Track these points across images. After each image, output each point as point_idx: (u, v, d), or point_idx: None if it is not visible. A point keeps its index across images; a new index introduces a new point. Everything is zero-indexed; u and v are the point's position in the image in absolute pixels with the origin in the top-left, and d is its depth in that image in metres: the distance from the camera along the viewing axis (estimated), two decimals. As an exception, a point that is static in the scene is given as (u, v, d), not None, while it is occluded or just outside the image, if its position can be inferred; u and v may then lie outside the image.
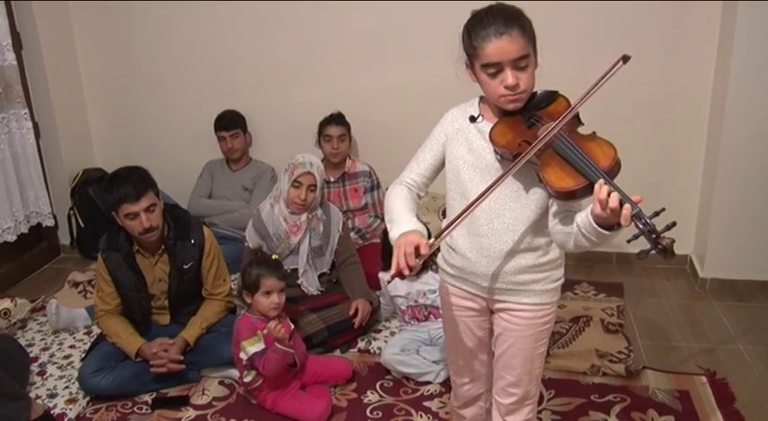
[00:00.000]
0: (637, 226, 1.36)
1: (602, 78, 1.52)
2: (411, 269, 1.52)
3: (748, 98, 3.21)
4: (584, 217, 1.45)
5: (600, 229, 1.42)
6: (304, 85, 3.95)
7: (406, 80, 3.81)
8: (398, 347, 2.80)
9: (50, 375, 2.87)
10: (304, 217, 3.05)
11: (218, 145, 3.99)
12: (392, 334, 3.09)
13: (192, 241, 2.75)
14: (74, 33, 4.08)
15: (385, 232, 3.77)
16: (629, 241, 1.43)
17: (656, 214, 1.37)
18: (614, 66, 1.52)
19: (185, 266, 2.74)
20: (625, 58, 1.51)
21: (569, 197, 1.48)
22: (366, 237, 3.73)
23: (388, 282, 1.34)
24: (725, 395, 2.61)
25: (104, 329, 2.77)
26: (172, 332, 2.78)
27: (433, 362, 2.75)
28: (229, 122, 3.93)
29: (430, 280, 2.93)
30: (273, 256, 2.72)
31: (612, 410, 2.52)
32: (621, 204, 1.35)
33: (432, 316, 2.93)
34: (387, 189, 3.88)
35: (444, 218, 3.64)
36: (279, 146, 4.00)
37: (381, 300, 3.16)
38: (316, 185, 2.99)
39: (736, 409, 2.52)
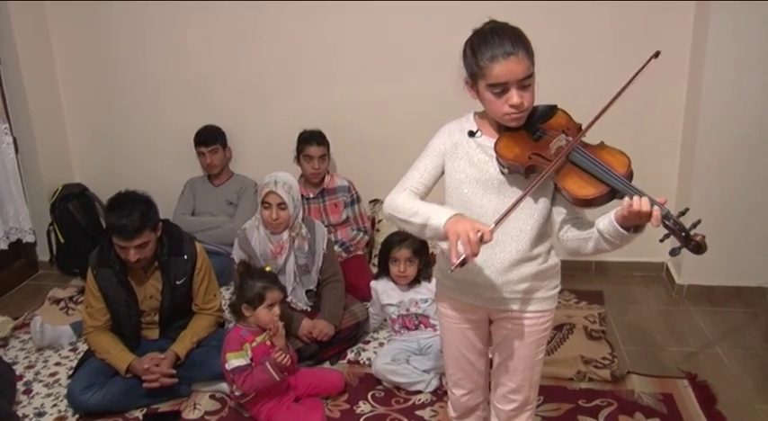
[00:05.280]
0: (666, 226, 1.44)
1: (633, 77, 1.66)
2: (475, 255, 1.47)
3: (721, 109, 3.33)
4: (608, 222, 1.52)
5: (626, 233, 1.49)
6: (283, 99, 3.97)
7: (385, 94, 3.86)
8: (389, 357, 2.83)
9: (37, 394, 2.83)
10: (285, 236, 3.04)
11: (197, 160, 3.99)
12: (381, 344, 3.11)
13: (185, 256, 2.75)
14: (53, 48, 4.06)
15: (369, 244, 3.87)
16: (661, 241, 1.49)
17: (682, 214, 1.44)
18: (647, 63, 1.65)
19: (178, 282, 2.74)
20: (657, 54, 1.63)
21: (589, 204, 1.54)
22: (350, 250, 3.75)
23: (451, 271, 1.27)
24: (707, 397, 2.69)
25: (93, 345, 2.75)
26: (161, 347, 2.77)
27: (424, 371, 2.78)
28: (209, 138, 3.94)
29: (422, 289, 2.97)
30: (267, 268, 2.74)
31: (601, 414, 2.58)
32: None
33: (422, 325, 2.97)
34: (370, 202, 3.99)
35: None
36: (259, 160, 4.02)
37: (371, 309, 3.18)
38: (285, 203, 2.98)
39: (718, 410, 2.60)
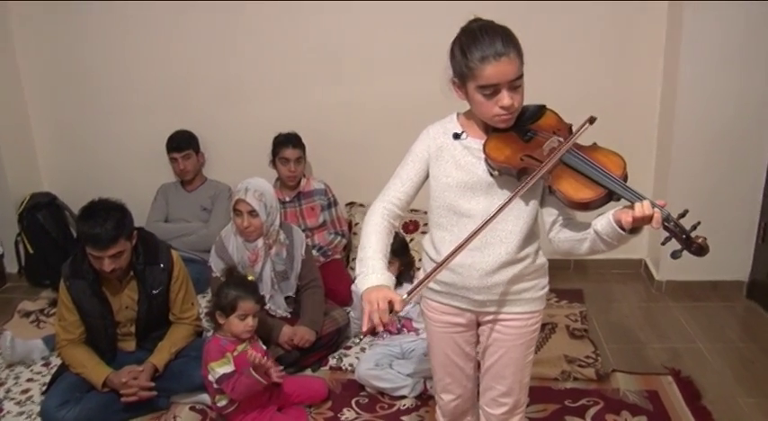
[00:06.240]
0: (667, 228, 1.42)
1: (569, 140, 1.57)
2: (384, 326, 1.51)
3: (697, 107, 3.36)
4: (606, 223, 1.49)
5: (625, 234, 1.47)
6: (257, 102, 3.92)
7: (360, 95, 3.82)
8: (372, 362, 2.79)
9: (8, 412, 2.72)
10: (260, 243, 2.98)
11: (170, 166, 3.91)
12: (363, 349, 3.07)
13: (162, 265, 2.68)
14: (16, 54, 3.94)
15: (346, 247, 3.83)
16: (663, 243, 1.49)
17: (682, 216, 1.42)
18: (582, 127, 1.59)
19: (154, 292, 2.67)
20: (592, 120, 1.60)
21: (586, 208, 1.51)
22: (328, 255, 3.71)
23: (360, 340, 1.33)
24: (691, 392, 2.70)
25: (68, 360, 2.67)
26: (138, 359, 2.70)
27: (408, 375, 2.75)
28: (181, 143, 3.86)
29: (404, 291, 2.91)
30: (250, 277, 2.68)
31: (588, 414, 2.57)
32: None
33: (404, 329, 2.93)
34: (347, 205, 3.95)
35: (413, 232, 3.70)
36: (233, 165, 3.95)
37: (353, 314, 3.14)
38: (255, 211, 2.93)
39: (704, 406, 2.62)
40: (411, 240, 3.65)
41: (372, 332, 1.51)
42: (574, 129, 1.64)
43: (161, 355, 2.69)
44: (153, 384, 2.59)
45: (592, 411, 2.59)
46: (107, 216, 2.47)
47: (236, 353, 2.52)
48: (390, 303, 1.49)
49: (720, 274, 3.57)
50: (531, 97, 1.66)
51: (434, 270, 1.56)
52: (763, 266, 3.45)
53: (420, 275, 1.90)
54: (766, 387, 2.75)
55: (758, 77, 3.28)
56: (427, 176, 1.74)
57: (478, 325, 1.84)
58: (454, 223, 1.70)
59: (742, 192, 3.46)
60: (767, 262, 3.41)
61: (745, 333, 3.22)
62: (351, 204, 4.01)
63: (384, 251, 1.67)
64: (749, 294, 3.55)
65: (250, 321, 2.54)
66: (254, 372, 2.43)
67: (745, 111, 3.34)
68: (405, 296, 1.52)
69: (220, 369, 2.46)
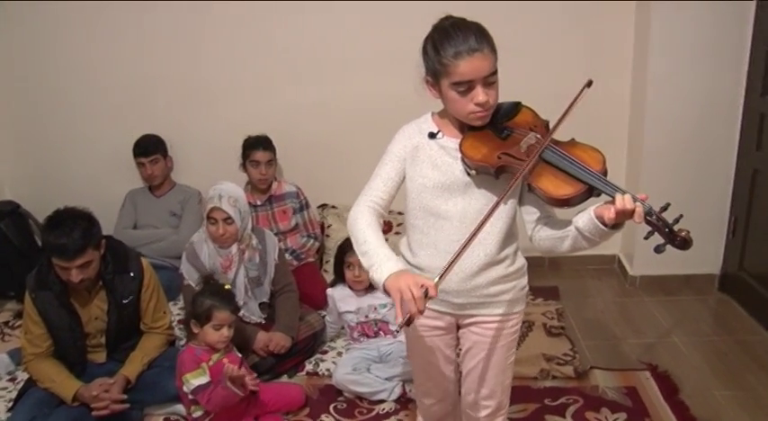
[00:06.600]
0: (650, 223, 1.39)
1: (570, 106, 1.58)
2: (422, 313, 1.41)
3: (667, 101, 3.38)
4: (588, 219, 1.47)
5: (607, 230, 1.44)
6: (225, 104, 3.85)
7: (329, 95, 3.78)
8: (350, 366, 2.75)
9: (-27, 429, 2.65)
10: (234, 249, 2.93)
11: (137, 171, 3.82)
12: (339, 354, 3.02)
13: (131, 274, 2.60)
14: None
15: (319, 250, 3.78)
16: (645, 238, 1.45)
17: (664, 209, 1.40)
18: (581, 92, 1.59)
19: (125, 301, 2.60)
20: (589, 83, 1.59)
21: (567, 204, 1.49)
22: (301, 258, 3.65)
23: (397, 332, 1.21)
24: (669, 387, 2.71)
25: (35, 374, 2.58)
26: (109, 370, 2.62)
27: (386, 379, 2.72)
28: (148, 147, 3.78)
29: (380, 294, 2.86)
30: (226, 286, 2.62)
31: (567, 412, 2.57)
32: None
33: (381, 332, 2.90)
34: (319, 207, 3.90)
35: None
36: (203, 168, 3.88)
37: (328, 318, 3.09)
38: (231, 218, 2.88)
39: (681, 400, 2.63)
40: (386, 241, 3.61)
41: (409, 323, 1.38)
42: (551, 126, 1.62)
43: (133, 366, 2.61)
44: (125, 396, 2.51)
45: (572, 409, 2.58)
46: (74, 225, 2.39)
47: (211, 363, 2.47)
48: (424, 288, 1.40)
49: (693, 268, 3.59)
50: (502, 95, 1.64)
51: (462, 248, 1.46)
52: (734, 259, 3.49)
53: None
54: (741, 379, 2.77)
55: (727, 74, 3.31)
56: (405, 177, 1.71)
57: (458, 328, 1.81)
58: (431, 225, 1.67)
59: (712, 187, 3.49)
60: (738, 255, 3.44)
61: (719, 325, 3.25)
62: (323, 206, 3.97)
63: (383, 239, 1.59)
64: (721, 287, 3.59)
65: (225, 331, 2.48)
66: (230, 384, 2.38)
67: (715, 108, 3.37)
68: (436, 279, 1.43)
69: (195, 380, 2.41)
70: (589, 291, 3.67)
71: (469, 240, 1.47)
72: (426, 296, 1.40)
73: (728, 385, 2.73)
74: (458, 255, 1.46)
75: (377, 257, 1.53)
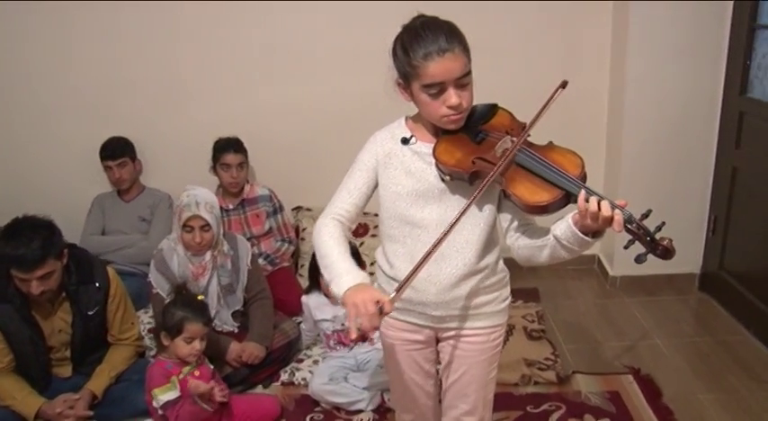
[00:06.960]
0: (630, 231, 1.32)
1: (543, 107, 1.50)
2: (374, 330, 1.36)
3: (645, 101, 3.34)
4: (566, 228, 1.39)
5: (586, 238, 1.37)
6: (195, 106, 3.73)
7: (301, 96, 3.68)
8: (326, 376, 2.67)
9: (-70, 451, 2.52)
10: (208, 256, 2.83)
11: (105, 175, 3.70)
12: (315, 362, 2.94)
13: (97, 284, 2.50)
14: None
15: (294, 254, 3.69)
16: (626, 247, 1.37)
17: (645, 216, 1.33)
18: (555, 92, 1.50)
19: (90, 313, 2.49)
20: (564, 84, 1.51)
21: (544, 211, 1.41)
22: (275, 263, 3.56)
23: (351, 348, 1.16)
24: (652, 391, 2.68)
25: (-5, 391, 2.47)
26: (75, 385, 2.53)
27: (364, 388, 2.65)
28: (115, 150, 3.64)
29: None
30: (199, 297, 2.52)
31: (551, 419, 2.52)
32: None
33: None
34: (293, 210, 3.82)
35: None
36: (172, 172, 3.76)
37: (303, 325, 3.01)
38: (209, 224, 2.78)
39: (665, 404, 2.59)
40: (361, 244, 3.55)
41: (363, 339, 1.34)
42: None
43: (99, 380, 2.52)
44: (91, 413, 2.44)
45: (555, 416, 2.53)
46: (33, 235, 2.28)
47: (181, 377, 2.38)
48: (379, 304, 1.35)
49: (673, 268, 3.52)
50: (478, 96, 1.57)
51: (419, 264, 1.41)
52: (714, 258, 3.46)
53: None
54: (724, 381, 2.74)
55: (705, 73, 3.29)
56: (376, 185, 1.63)
57: (438, 341, 1.74)
58: (407, 234, 1.60)
59: (692, 186, 3.47)
60: (718, 254, 3.42)
61: (700, 326, 3.22)
62: (297, 209, 3.88)
63: (347, 253, 1.53)
64: (701, 286, 3.56)
65: (197, 344, 2.39)
66: (199, 400, 2.29)
67: (693, 107, 3.34)
68: (392, 295, 1.38)
69: (164, 396, 2.32)
70: (569, 292, 3.63)
71: (430, 252, 1.41)
72: (381, 312, 1.35)
73: (711, 387, 2.70)
74: (418, 266, 1.41)
75: (336, 271, 1.48)
